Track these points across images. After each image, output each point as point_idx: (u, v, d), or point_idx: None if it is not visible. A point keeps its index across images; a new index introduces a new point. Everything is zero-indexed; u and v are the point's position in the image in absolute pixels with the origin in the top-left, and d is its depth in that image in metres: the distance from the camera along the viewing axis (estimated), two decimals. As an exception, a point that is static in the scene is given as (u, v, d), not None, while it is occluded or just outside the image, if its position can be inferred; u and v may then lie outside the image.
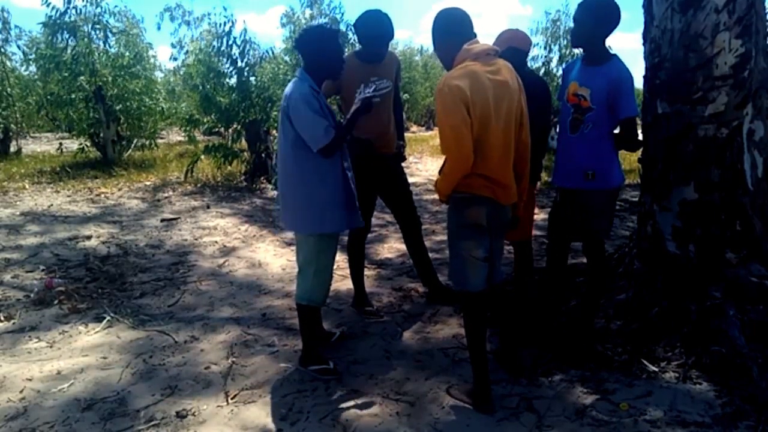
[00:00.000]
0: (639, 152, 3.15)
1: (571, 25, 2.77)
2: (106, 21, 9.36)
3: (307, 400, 2.54)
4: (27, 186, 7.78)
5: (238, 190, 7.79)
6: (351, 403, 2.51)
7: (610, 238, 3.42)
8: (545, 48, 11.82)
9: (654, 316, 2.93)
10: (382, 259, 4.72)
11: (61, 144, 10.50)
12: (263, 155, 8.24)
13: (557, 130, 2.85)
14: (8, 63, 11.84)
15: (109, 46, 9.84)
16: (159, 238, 5.34)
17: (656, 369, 2.65)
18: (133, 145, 10.43)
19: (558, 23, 11.83)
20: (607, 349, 2.83)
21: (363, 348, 3.05)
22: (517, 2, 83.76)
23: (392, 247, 5.03)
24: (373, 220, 3.73)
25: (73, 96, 9.32)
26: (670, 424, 2.27)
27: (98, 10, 9.15)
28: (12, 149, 11.81)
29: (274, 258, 4.76)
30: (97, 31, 9.33)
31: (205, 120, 8.93)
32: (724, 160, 2.82)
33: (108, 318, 3.45)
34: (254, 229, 5.78)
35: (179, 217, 6.19)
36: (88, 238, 5.30)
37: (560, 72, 10.57)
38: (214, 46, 8.22)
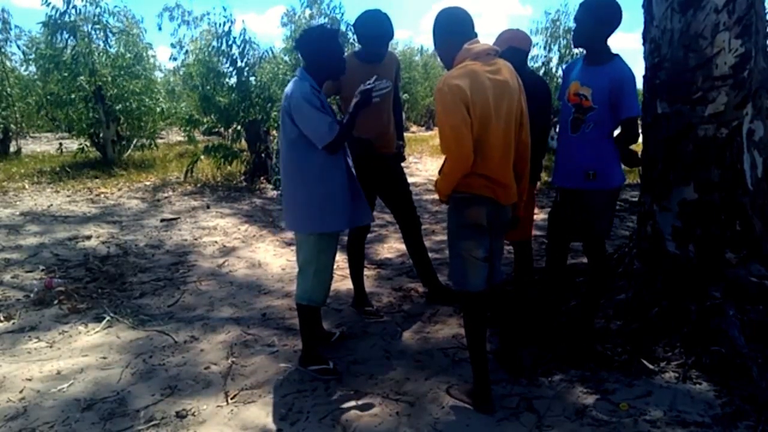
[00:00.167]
0: (639, 151, 3.15)
1: (571, 24, 2.77)
2: (106, 21, 9.35)
3: (306, 400, 2.54)
4: (27, 186, 7.77)
5: (237, 190, 7.78)
6: (351, 403, 2.51)
7: (610, 238, 3.42)
8: (545, 48, 11.82)
9: (654, 316, 2.93)
10: (382, 259, 4.72)
11: (60, 144, 10.52)
12: (263, 155, 8.24)
13: (557, 129, 2.85)
14: (8, 63, 11.84)
15: (109, 46, 9.82)
16: (159, 238, 5.34)
17: (656, 369, 2.65)
18: (132, 145, 10.41)
19: (558, 23, 11.82)
20: (607, 349, 2.83)
21: (363, 348, 3.05)
22: (517, 2, 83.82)
23: (392, 247, 5.03)
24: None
25: (72, 96, 9.31)
26: (670, 424, 2.27)
27: (98, 10, 9.15)
28: (12, 149, 11.81)
29: (274, 258, 4.76)
30: (97, 31, 9.31)
31: (204, 120, 8.91)
32: (724, 160, 2.82)
33: (108, 318, 3.45)
34: (254, 229, 5.77)
35: (179, 217, 6.19)
36: (88, 238, 5.30)
37: (560, 72, 10.59)
38: (213, 46, 8.20)
